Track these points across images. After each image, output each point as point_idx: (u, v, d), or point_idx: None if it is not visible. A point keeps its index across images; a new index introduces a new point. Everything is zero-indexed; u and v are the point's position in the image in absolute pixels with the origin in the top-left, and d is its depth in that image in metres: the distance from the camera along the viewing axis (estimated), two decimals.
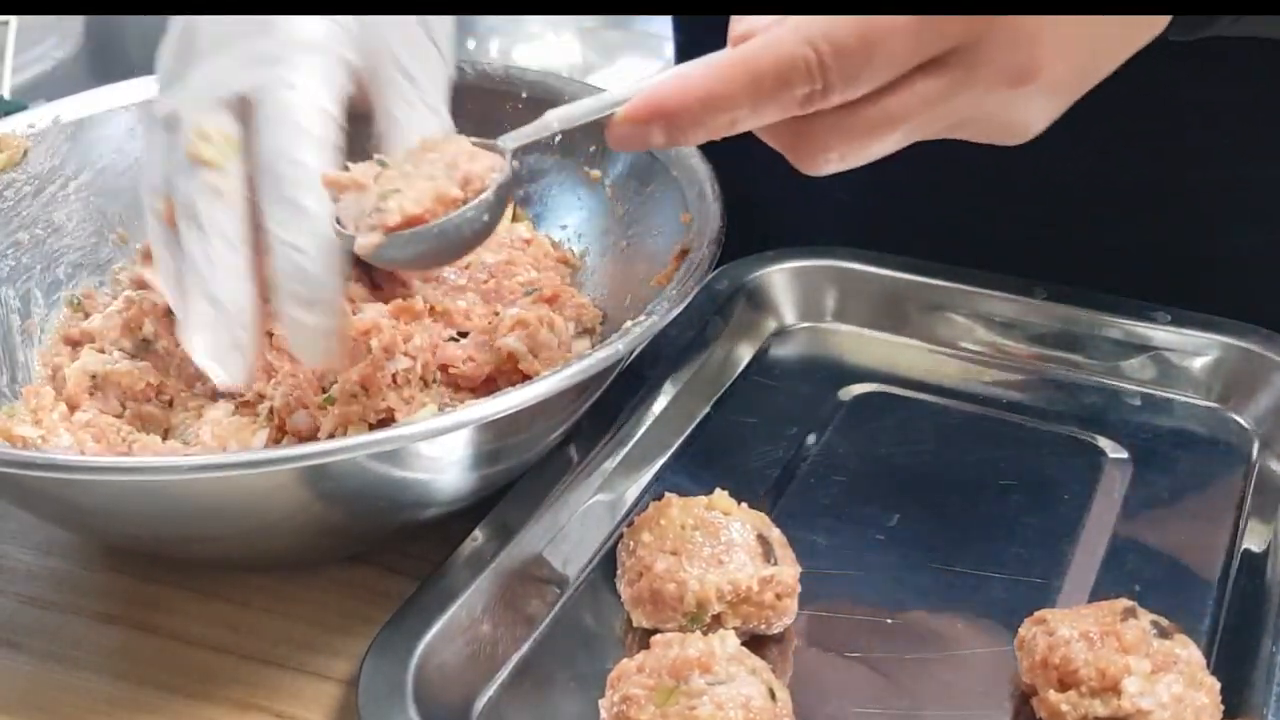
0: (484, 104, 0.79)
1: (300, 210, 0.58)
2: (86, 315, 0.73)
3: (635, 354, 0.69)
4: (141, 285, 0.73)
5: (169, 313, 0.71)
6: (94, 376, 0.68)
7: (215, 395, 0.68)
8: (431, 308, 0.70)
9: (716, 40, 0.55)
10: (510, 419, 0.57)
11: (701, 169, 0.70)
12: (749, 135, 0.76)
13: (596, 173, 0.76)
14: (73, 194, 0.76)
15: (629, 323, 0.61)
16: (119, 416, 0.68)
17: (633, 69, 2.31)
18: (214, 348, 0.59)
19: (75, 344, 0.71)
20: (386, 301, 0.70)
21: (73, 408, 0.67)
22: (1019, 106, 0.55)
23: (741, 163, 0.90)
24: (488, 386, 0.67)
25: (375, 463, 0.57)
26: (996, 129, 0.56)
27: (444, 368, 0.67)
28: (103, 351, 0.69)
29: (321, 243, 0.59)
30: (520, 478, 0.65)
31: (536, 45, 2.28)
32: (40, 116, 0.76)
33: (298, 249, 0.58)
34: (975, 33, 0.52)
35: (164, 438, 0.67)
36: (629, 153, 0.74)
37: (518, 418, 0.57)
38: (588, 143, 0.76)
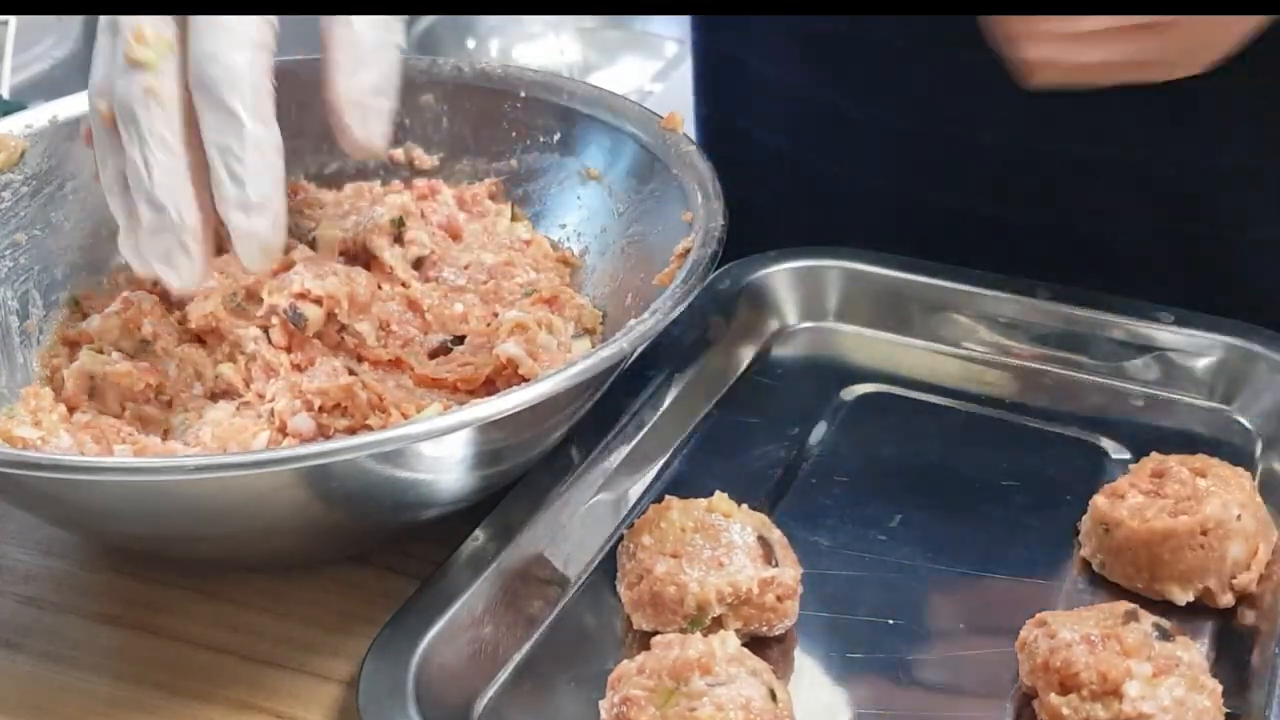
0: (483, 103, 0.79)
1: (231, 114, 0.58)
2: (85, 315, 0.73)
3: (636, 353, 0.69)
4: (139, 286, 0.73)
5: (167, 314, 0.71)
6: (92, 377, 0.68)
7: (215, 396, 0.68)
8: (423, 313, 0.70)
9: (732, 37, 0.55)
10: (512, 419, 0.57)
11: (702, 167, 0.70)
12: (751, 135, 0.76)
13: (596, 170, 0.76)
14: (70, 194, 0.75)
15: (632, 321, 0.61)
16: (118, 417, 0.68)
17: (633, 69, 2.31)
18: (162, 252, 0.59)
19: (74, 345, 0.71)
20: (387, 299, 0.70)
21: (72, 409, 0.67)
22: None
23: (744, 162, 0.90)
24: (487, 388, 0.67)
25: (376, 463, 0.57)
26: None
27: (435, 381, 0.67)
28: (101, 352, 0.69)
29: (257, 145, 0.58)
30: (522, 477, 0.64)
31: (536, 45, 2.28)
32: (37, 116, 0.76)
33: (231, 153, 0.58)
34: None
35: (164, 439, 0.66)
36: (630, 151, 0.74)
37: (519, 417, 0.57)
38: (588, 141, 0.76)
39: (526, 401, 0.56)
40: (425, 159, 0.79)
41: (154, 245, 0.59)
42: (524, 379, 0.65)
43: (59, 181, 0.75)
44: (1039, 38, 0.57)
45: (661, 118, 0.73)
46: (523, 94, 0.78)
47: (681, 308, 0.62)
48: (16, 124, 0.75)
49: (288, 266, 0.69)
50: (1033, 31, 0.57)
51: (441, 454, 0.59)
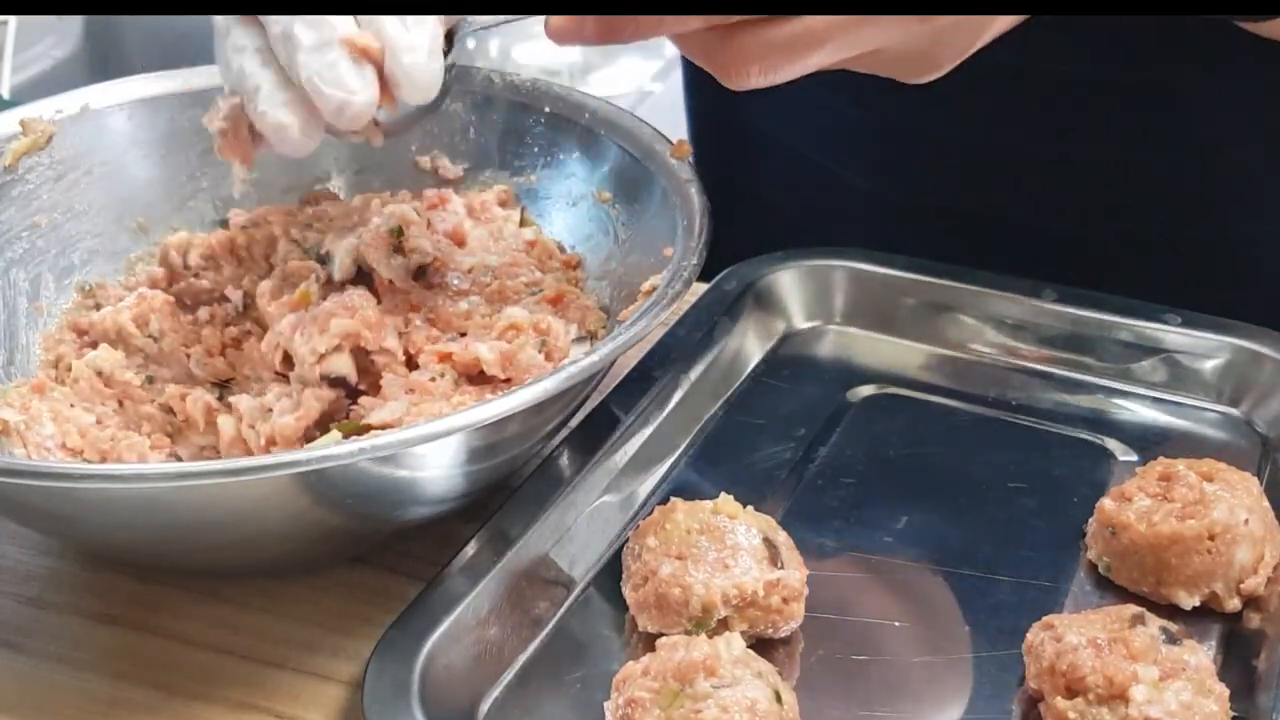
0: (510, 117, 0.79)
1: None
2: (97, 303, 0.73)
3: (622, 361, 0.68)
4: (156, 285, 0.73)
5: (176, 313, 0.71)
6: (100, 373, 0.67)
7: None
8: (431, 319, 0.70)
9: None
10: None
11: (696, 201, 0.69)
12: (763, 136, 0.76)
13: (607, 195, 0.75)
14: (96, 181, 0.76)
15: (566, 361, 0.61)
16: (116, 413, 0.67)
17: (632, 69, 2.31)
18: (331, 75, 0.59)
19: (83, 333, 0.71)
20: (389, 312, 0.70)
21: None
22: (928, 41, 0.57)
23: (756, 162, 0.90)
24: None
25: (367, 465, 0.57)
26: (907, 63, 0.59)
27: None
28: (114, 348, 0.69)
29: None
30: (527, 479, 0.64)
31: (536, 45, 2.27)
32: (69, 102, 0.76)
33: None
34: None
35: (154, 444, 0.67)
36: (640, 178, 0.73)
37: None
38: (603, 163, 0.76)
39: (445, 431, 0.56)
40: (450, 169, 0.79)
41: (320, 67, 0.59)
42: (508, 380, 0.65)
43: (86, 168, 0.75)
44: (754, 37, 0.55)
45: (673, 143, 0.73)
46: (547, 109, 0.78)
47: (622, 343, 0.61)
48: (47, 108, 0.75)
49: (301, 304, 0.69)
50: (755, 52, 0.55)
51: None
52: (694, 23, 0.55)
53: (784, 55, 0.55)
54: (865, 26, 0.55)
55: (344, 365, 0.66)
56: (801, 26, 0.54)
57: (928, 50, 0.58)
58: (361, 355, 0.66)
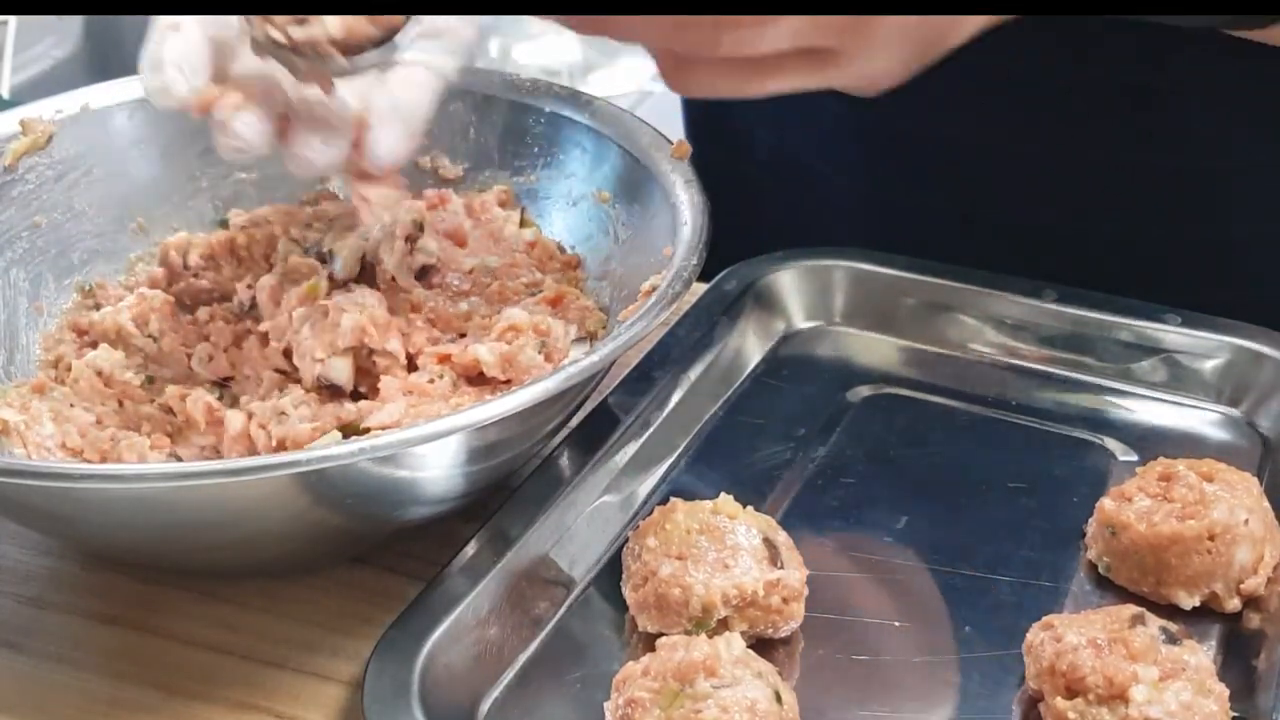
0: (510, 116, 0.79)
1: None
2: (97, 303, 0.73)
3: (622, 361, 0.68)
4: (156, 285, 0.73)
5: (176, 313, 0.71)
6: (100, 373, 0.67)
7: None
8: (432, 319, 0.70)
9: None
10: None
11: (698, 200, 0.69)
12: (760, 139, 0.76)
13: (607, 194, 0.75)
14: (96, 181, 0.76)
15: (567, 361, 0.61)
16: (116, 413, 0.67)
17: (633, 69, 2.31)
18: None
19: (83, 333, 0.71)
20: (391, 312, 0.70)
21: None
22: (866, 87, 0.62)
23: (754, 164, 0.90)
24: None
25: (363, 465, 0.57)
26: (861, 88, 0.62)
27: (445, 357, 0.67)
28: (114, 348, 0.69)
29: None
30: (527, 479, 0.64)
31: (536, 44, 2.28)
32: (69, 102, 0.76)
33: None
34: (846, 43, 0.57)
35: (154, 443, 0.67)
36: (639, 178, 0.73)
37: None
38: (603, 162, 0.76)
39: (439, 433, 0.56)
40: (450, 169, 0.79)
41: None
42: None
43: (86, 168, 0.75)
44: (712, 65, 0.59)
45: (673, 143, 0.73)
46: (547, 109, 0.78)
47: (625, 342, 0.61)
48: (47, 109, 0.75)
49: (310, 298, 0.68)
50: (712, 54, 0.58)
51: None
52: (659, 43, 0.58)
53: (731, 84, 0.59)
54: (804, 79, 0.58)
55: (342, 371, 0.65)
56: (754, 70, 0.58)
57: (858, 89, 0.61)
58: (363, 356, 0.66)
